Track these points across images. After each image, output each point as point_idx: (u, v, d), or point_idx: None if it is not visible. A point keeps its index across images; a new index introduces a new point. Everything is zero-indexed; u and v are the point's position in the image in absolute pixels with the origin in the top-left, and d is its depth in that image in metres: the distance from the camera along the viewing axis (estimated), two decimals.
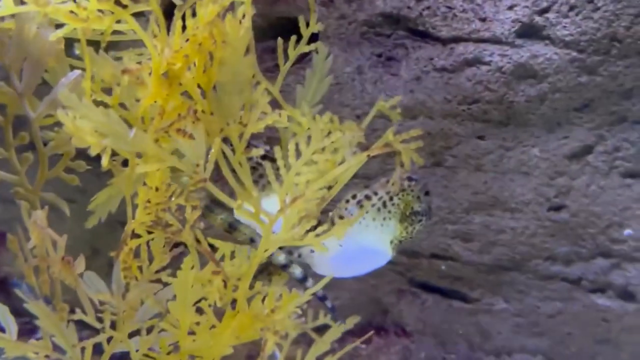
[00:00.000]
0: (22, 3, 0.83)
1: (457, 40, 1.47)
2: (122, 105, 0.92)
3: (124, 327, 0.97)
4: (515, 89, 1.46)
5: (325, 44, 1.18)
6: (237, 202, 0.93)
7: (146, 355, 1.01)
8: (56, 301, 0.97)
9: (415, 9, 1.46)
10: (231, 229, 1.04)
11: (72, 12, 0.81)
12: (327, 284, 1.07)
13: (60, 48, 0.99)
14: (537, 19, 1.40)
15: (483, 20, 1.43)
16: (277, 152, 0.91)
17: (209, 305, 0.97)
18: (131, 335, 1.00)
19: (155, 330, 1.02)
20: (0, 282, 1.92)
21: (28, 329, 1.03)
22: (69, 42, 0.97)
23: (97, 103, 0.85)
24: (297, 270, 1.05)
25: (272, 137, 1.46)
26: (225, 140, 0.93)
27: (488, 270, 1.69)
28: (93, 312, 0.94)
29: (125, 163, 0.95)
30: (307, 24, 1.07)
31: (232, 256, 1.04)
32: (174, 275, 0.95)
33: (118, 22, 0.88)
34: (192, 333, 1.00)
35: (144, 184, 0.90)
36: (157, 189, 0.89)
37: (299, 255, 1.08)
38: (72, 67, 1.00)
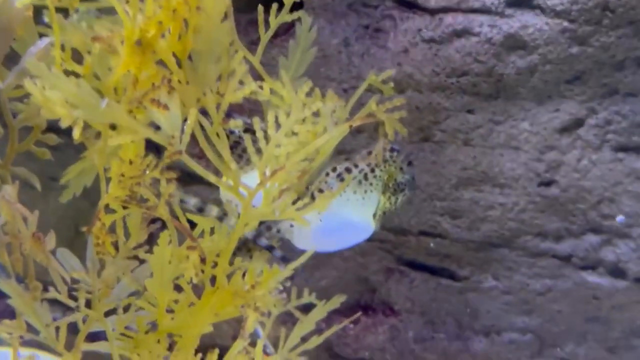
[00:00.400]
0: None
1: (445, 10, 1.45)
2: (93, 74, 0.89)
3: (100, 305, 0.96)
4: (505, 61, 1.44)
5: (311, 14, 1.17)
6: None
7: (123, 335, 1.00)
8: (29, 280, 0.95)
9: None
10: (200, 211, 1.02)
11: None
12: (314, 263, 1.06)
13: (28, 15, 0.96)
14: None
15: None
16: (256, 123, 0.89)
17: (188, 283, 0.96)
18: (107, 314, 0.98)
19: (132, 308, 1.01)
20: None
21: (11, 310, 1.01)
22: (38, 10, 0.95)
23: (68, 72, 0.83)
24: (263, 241, 1.04)
25: (254, 109, 1.45)
26: (205, 113, 0.91)
27: (477, 248, 1.68)
28: (66, 290, 0.93)
29: (99, 135, 0.93)
30: None
31: (212, 232, 1.02)
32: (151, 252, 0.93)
33: None
34: (170, 311, 0.98)
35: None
36: (131, 162, 0.87)
37: (278, 230, 1.06)
38: (41, 36, 0.97)
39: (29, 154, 1.06)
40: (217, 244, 0.95)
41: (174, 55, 0.87)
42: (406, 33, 1.48)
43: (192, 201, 1.01)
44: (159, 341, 0.99)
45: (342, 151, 1.18)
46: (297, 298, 1.23)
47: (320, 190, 1.03)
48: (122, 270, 0.95)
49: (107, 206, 0.91)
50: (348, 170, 1.05)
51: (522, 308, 1.73)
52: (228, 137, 1.05)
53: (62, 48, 0.87)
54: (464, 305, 1.76)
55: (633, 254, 1.59)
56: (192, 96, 0.89)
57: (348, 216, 1.07)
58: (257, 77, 0.97)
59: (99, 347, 1.01)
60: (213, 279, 0.97)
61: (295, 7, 1.06)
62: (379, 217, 1.10)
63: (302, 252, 1.04)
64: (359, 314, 1.77)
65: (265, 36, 1.02)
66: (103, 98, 0.81)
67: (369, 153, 1.05)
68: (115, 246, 0.96)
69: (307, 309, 1.23)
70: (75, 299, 0.96)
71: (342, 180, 1.04)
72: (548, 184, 1.57)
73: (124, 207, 0.94)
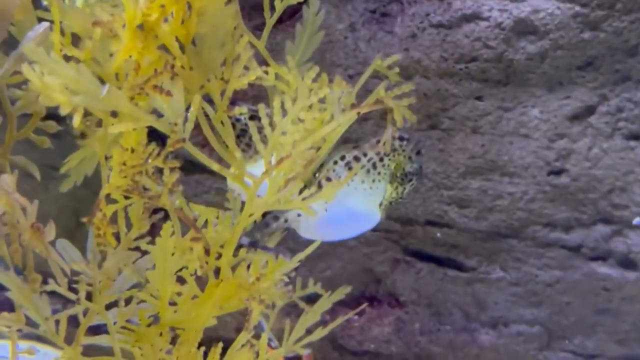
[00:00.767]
0: None
1: None
2: (94, 60, 0.88)
3: (101, 298, 0.95)
4: (515, 46, 1.43)
5: None
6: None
7: (124, 328, 0.98)
8: (28, 271, 0.94)
9: None
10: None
11: None
12: (318, 253, 1.05)
13: None
14: None
15: None
16: (261, 109, 0.88)
17: (191, 275, 0.95)
18: (108, 306, 0.97)
19: (134, 301, 0.99)
20: None
21: (10, 303, 1.00)
22: None
23: (67, 58, 0.81)
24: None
25: (258, 96, 1.43)
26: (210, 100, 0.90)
27: (485, 238, 1.67)
28: (67, 282, 0.92)
29: (100, 123, 0.92)
30: None
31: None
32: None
33: None
34: (173, 304, 0.97)
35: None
36: (133, 151, 0.86)
37: (286, 220, 1.05)
38: (40, 20, 0.95)
39: (27, 142, 1.05)
40: (221, 235, 0.94)
41: (177, 39, 0.85)
42: (414, 18, 1.46)
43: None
44: (161, 334, 0.98)
45: (348, 139, 1.17)
46: (301, 289, 1.22)
47: (328, 179, 1.02)
48: (124, 261, 0.94)
49: (108, 196, 0.89)
50: (357, 159, 1.04)
51: (531, 299, 1.72)
52: (234, 125, 1.04)
53: (62, 32, 0.86)
54: (471, 296, 1.75)
55: None
56: (196, 82, 0.87)
57: (355, 206, 1.06)
58: (262, 62, 0.96)
59: (100, 340, 1.00)
60: (217, 271, 0.96)
61: None
62: (385, 207, 1.09)
63: (306, 241, 1.03)
64: (364, 305, 1.77)
65: (270, 20, 1.00)
66: (104, 84, 0.79)
67: (378, 142, 1.03)
68: (117, 237, 0.94)
69: (311, 299, 1.22)
70: (75, 291, 0.94)
71: (350, 169, 1.03)
72: (558, 172, 1.56)
73: (126, 197, 0.92)
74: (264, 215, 1.00)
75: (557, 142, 1.53)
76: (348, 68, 1.51)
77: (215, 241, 0.94)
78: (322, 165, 1.03)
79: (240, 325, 1.81)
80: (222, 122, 0.90)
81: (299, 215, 1.05)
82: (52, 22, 0.87)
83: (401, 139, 1.06)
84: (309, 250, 1.01)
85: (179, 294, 0.97)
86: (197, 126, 0.87)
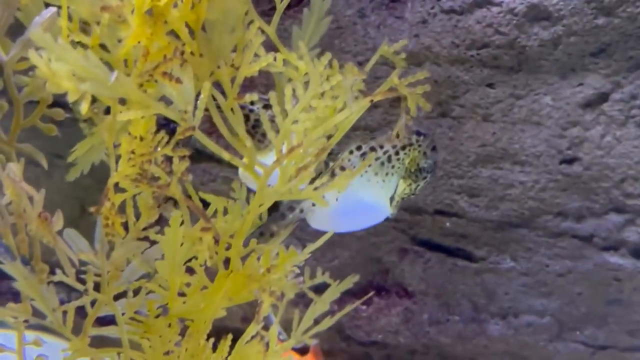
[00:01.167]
0: None
1: None
2: (102, 46, 0.87)
3: (109, 289, 0.94)
4: (528, 32, 1.42)
5: None
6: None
7: (133, 319, 0.98)
8: (35, 262, 0.93)
9: None
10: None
11: None
12: (327, 243, 1.04)
13: None
14: None
15: None
16: (273, 97, 0.87)
17: (200, 265, 0.94)
18: (117, 297, 0.97)
19: (143, 292, 0.99)
20: None
21: (14, 292, 1.00)
22: None
23: (75, 44, 0.80)
24: None
25: (267, 84, 1.42)
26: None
27: (495, 227, 1.67)
28: (74, 273, 0.91)
29: (108, 111, 0.91)
30: None
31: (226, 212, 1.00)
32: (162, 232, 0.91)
33: None
34: (182, 295, 0.97)
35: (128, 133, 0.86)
36: (141, 139, 0.85)
37: (301, 210, 1.05)
38: (47, 5, 0.94)
39: (31, 130, 1.04)
40: (231, 225, 0.93)
41: (187, 25, 0.84)
42: (424, 3, 1.45)
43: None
44: (170, 326, 0.98)
45: (357, 127, 1.16)
46: (310, 279, 1.21)
47: (342, 168, 1.01)
48: (132, 251, 0.93)
49: (116, 185, 0.88)
50: (373, 149, 1.03)
51: (541, 290, 1.72)
52: (248, 116, 1.03)
53: (70, 18, 0.84)
54: (481, 286, 1.75)
55: None
56: (206, 69, 0.86)
57: (365, 198, 1.05)
58: (268, 49, 0.95)
59: (107, 331, 1.00)
60: (226, 262, 0.95)
61: None
62: (397, 203, 1.08)
63: (314, 231, 1.02)
64: (371, 294, 1.77)
65: (281, 5, 0.99)
66: (112, 71, 0.78)
67: (397, 136, 1.03)
68: (125, 227, 0.94)
69: (318, 289, 1.21)
70: (83, 281, 0.94)
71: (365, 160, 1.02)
72: (570, 161, 1.55)
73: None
74: (275, 205, 1.00)
75: (569, 130, 1.52)
76: (357, 55, 1.50)
77: (225, 231, 0.94)
78: (330, 154, 1.02)
79: (246, 315, 1.81)
80: (232, 110, 0.89)
81: (313, 204, 1.04)
82: (59, 7, 0.86)
83: (418, 133, 1.05)
84: (320, 241, 1.00)
85: (188, 284, 0.96)
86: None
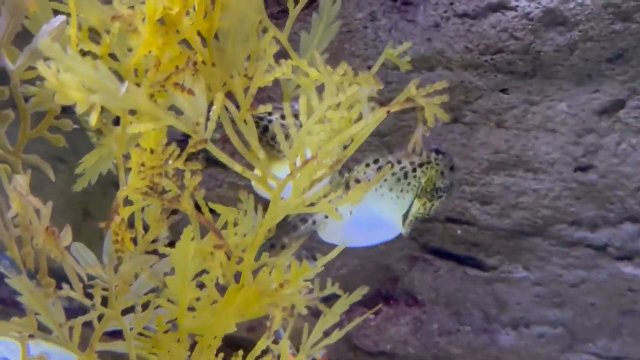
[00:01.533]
0: None
1: None
2: (112, 56, 0.86)
3: (117, 303, 0.93)
4: (544, 38, 1.41)
5: None
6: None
7: (141, 335, 0.97)
8: (41, 276, 0.92)
9: None
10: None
11: None
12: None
13: None
14: None
15: None
16: (286, 108, 0.86)
17: (212, 281, 0.93)
18: (125, 312, 0.96)
19: (152, 307, 0.98)
20: None
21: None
22: None
23: (84, 54, 0.79)
24: None
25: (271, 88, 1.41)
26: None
27: (507, 236, 1.66)
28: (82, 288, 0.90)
29: (117, 122, 0.90)
30: None
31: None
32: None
33: None
34: (192, 310, 0.96)
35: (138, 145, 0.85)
36: (152, 151, 0.84)
37: (314, 223, 1.04)
38: (56, 13, 0.93)
39: None
40: (243, 240, 0.92)
41: (200, 34, 0.83)
42: (437, 6, 1.44)
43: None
44: (179, 341, 0.97)
45: None
46: (320, 290, 1.20)
47: (357, 181, 1.00)
48: (141, 265, 0.92)
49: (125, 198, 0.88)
50: (390, 165, 1.02)
51: (554, 300, 1.71)
52: (267, 127, 1.02)
53: (79, 27, 0.83)
54: (492, 296, 1.74)
55: None
56: (219, 79, 0.85)
57: (378, 213, 1.04)
58: (279, 55, 0.93)
59: (115, 347, 0.99)
60: (237, 276, 0.94)
61: None
62: (411, 222, 1.08)
63: (323, 241, 1.02)
64: (379, 306, 1.76)
65: (294, 12, 0.98)
66: (123, 82, 0.77)
67: (414, 151, 1.02)
68: (134, 240, 0.93)
69: (327, 298, 1.20)
70: (90, 296, 0.93)
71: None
72: (585, 169, 1.54)
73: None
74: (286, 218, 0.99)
75: (584, 137, 1.51)
76: (368, 59, 1.50)
77: (237, 246, 0.92)
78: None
79: (252, 325, 1.80)
80: (245, 121, 0.88)
81: (326, 217, 1.03)
82: (68, 15, 0.85)
83: (437, 152, 1.04)
84: (334, 253, 0.99)
85: (198, 299, 0.95)
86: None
